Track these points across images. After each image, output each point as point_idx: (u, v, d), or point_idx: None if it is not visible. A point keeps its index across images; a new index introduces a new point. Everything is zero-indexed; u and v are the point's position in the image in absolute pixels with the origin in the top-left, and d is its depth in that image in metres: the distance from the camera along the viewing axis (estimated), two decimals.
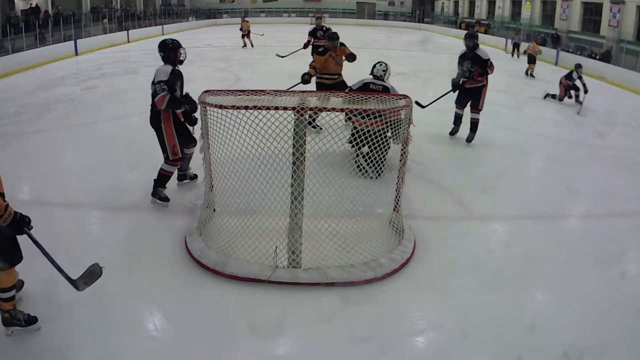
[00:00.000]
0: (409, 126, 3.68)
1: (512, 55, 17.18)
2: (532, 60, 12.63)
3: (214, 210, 3.91)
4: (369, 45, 17.39)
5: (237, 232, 3.42)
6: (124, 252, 3.52)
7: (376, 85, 5.19)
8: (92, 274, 2.71)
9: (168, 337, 2.77)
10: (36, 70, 11.80)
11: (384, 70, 5.32)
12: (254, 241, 3.29)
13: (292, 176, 3.15)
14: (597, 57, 15.05)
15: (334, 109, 3.16)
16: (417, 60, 14.76)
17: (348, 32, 24.05)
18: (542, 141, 6.65)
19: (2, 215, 2.52)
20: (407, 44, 19.26)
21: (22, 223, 2.61)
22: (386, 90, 5.09)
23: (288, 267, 3.19)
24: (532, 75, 12.56)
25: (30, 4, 19.17)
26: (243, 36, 16.93)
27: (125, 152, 5.64)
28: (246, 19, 17.97)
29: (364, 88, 5.16)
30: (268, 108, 3.14)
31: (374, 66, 5.37)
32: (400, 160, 3.67)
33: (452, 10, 32.30)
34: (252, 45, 16.69)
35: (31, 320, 2.73)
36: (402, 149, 3.66)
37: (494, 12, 26.38)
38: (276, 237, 3.30)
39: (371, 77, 5.31)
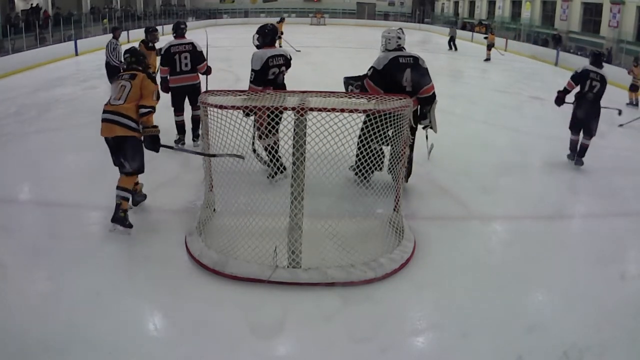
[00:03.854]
0: (409, 126, 3.68)
1: (450, 48, 18.77)
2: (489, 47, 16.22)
3: (214, 210, 3.91)
4: (369, 45, 17.36)
5: (237, 232, 3.42)
6: (124, 252, 3.51)
7: (406, 58, 4.41)
8: None
9: (168, 337, 2.77)
10: (36, 70, 11.80)
11: (399, 38, 4.52)
12: (254, 241, 3.29)
13: (292, 176, 3.15)
14: (604, 59, 15.02)
15: (334, 109, 3.15)
16: None
17: (348, 32, 24.06)
18: (542, 141, 6.65)
19: (151, 127, 3.64)
20: (407, 44, 19.19)
21: (158, 141, 3.68)
22: (416, 61, 4.42)
23: (288, 267, 3.19)
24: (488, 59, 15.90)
25: (31, 4, 19.18)
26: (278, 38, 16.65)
27: None
28: (281, 20, 17.20)
29: (394, 62, 4.36)
30: (268, 108, 3.15)
31: (396, 37, 4.49)
32: (400, 161, 3.67)
33: (452, 11, 32.32)
34: (282, 47, 16.48)
35: (131, 226, 3.70)
36: (402, 149, 3.65)
37: (494, 12, 26.40)
38: (276, 237, 3.30)
39: (386, 50, 4.51)
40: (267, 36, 4.71)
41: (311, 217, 3.34)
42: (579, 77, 5.43)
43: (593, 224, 4.36)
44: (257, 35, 4.72)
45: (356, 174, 4.10)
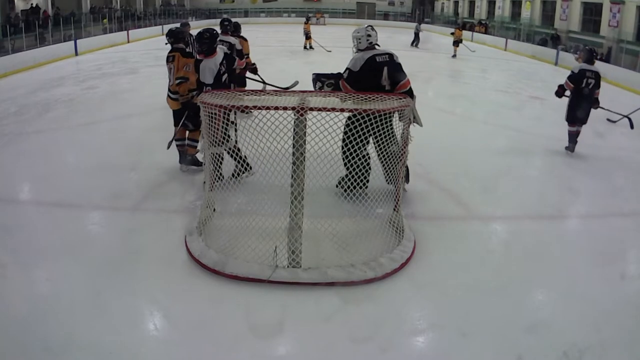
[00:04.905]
0: (409, 126, 3.69)
1: (412, 44, 19.31)
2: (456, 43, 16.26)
3: (214, 210, 3.91)
4: None
5: (237, 232, 3.43)
6: (124, 252, 3.51)
7: (382, 57, 4.20)
8: None
9: (168, 337, 2.77)
10: (36, 70, 11.80)
11: (369, 36, 4.26)
12: (254, 241, 3.29)
13: (292, 176, 3.15)
14: (603, 58, 15.02)
15: (334, 109, 3.15)
16: (417, 60, 14.75)
17: (348, 32, 24.01)
18: (542, 141, 6.65)
19: (184, 95, 4.55)
20: (407, 44, 19.24)
21: (192, 105, 4.52)
22: (392, 57, 4.23)
23: (288, 267, 3.19)
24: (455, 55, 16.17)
25: (31, 4, 19.17)
26: (307, 37, 16.84)
27: (125, 152, 5.64)
28: (309, 20, 17.54)
29: (371, 62, 4.16)
30: (268, 108, 3.15)
31: (366, 35, 4.25)
32: (400, 161, 3.67)
33: (452, 11, 32.30)
34: (312, 47, 16.72)
35: (202, 164, 4.49)
36: (401, 149, 3.65)
37: (494, 12, 26.38)
38: (276, 237, 3.30)
39: (359, 50, 4.30)
40: (205, 44, 4.41)
41: (311, 217, 3.34)
42: (577, 78, 5.79)
43: (593, 224, 4.36)
44: (196, 44, 4.47)
45: (346, 190, 3.96)
